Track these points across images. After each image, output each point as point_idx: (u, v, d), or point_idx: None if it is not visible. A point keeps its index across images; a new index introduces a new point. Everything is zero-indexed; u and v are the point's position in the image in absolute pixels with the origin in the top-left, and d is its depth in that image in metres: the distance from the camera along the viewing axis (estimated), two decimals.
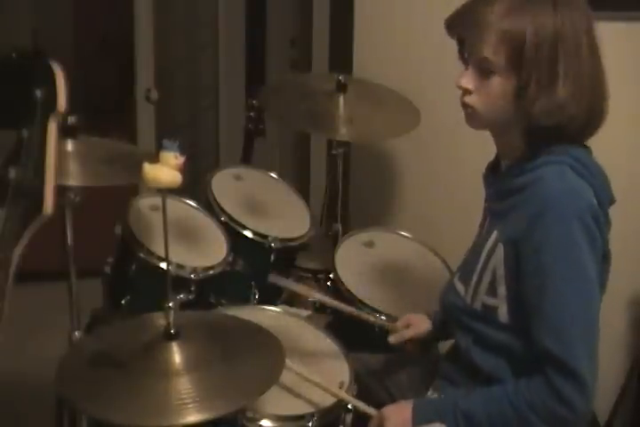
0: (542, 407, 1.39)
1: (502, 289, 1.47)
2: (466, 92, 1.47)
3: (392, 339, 1.79)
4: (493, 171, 1.61)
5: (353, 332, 1.95)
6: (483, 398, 1.47)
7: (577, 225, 1.39)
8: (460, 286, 1.59)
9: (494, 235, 1.50)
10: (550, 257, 1.39)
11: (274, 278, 2.05)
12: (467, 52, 1.47)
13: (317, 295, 1.99)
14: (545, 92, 1.39)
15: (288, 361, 1.49)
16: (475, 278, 1.53)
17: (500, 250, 1.47)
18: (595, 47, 1.44)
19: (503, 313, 1.48)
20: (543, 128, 1.43)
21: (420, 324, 1.81)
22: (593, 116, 1.46)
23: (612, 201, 1.53)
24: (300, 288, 2.04)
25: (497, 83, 1.43)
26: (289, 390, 1.64)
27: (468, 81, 1.46)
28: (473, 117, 1.49)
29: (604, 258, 1.48)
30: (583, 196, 1.42)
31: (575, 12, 1.41)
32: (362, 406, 1.62)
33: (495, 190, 1.57)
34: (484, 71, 1.43)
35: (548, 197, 1.40)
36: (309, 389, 1.65)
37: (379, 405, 1.62)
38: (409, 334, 1.79)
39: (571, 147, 1.47)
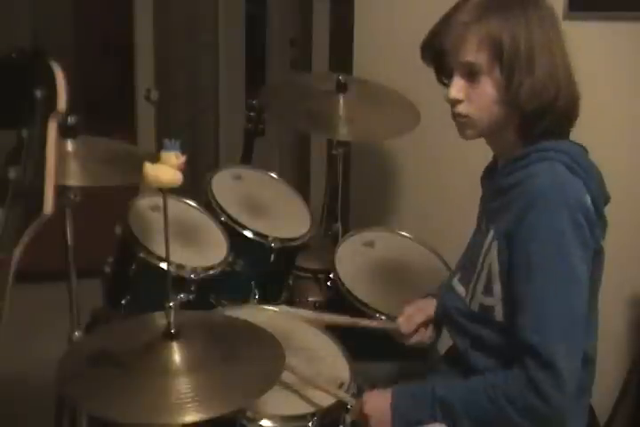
0: (518, 398, 1.40)
1: (497, 287, 1.48)
2: (457, 102, 1.50)
3: (404, 328, 1.76)
4: (490, 172, 1.63)
5: (353, 332, 1.95)
6: (460, 387, 1.49)
7: (565, 217, 1.40)
8: (460, 289, 1.59)
9: (491, 234, 1.51)
10: (537, 248, 1.41)
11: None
12: (449, 63, 1.50)
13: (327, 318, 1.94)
14: (526, 77, 1.44)
15: (287, 361, 1.49)
16: (474, 279, 1.54)
17: (495, 247, 1.49)
18: (562, 41, 1.50)
19: (499, 313, 1.49)
20: (533, 119, 1.47)
21: (427, 307, 1.79)
22: (571, 104, 1.51)
23: (606, 200, 1.55)
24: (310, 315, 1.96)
25: (485, 82, 1.47)
26: (289, 390, 1.64)
27: (458, 90, 1.50)
28: (468, 126, 1.52)
29: (596, 254, 1.48)
30: (573, 190, 1.44)
31: (539, 11, 1.49)
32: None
33: (490, 190, 1.59)
34: (471, 76, 1.48)
35: (537, 190, 1.43)
36: (309, 388, 1.65)
37: None
38: (420, 318, 1.77)
39: (564, 144, 1.50)
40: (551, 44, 1.48)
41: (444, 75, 1.55)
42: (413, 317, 1.78)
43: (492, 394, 1.43)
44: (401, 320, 1.79)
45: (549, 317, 1.40)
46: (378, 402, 1.55)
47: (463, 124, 1.52)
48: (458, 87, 1.49)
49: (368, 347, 1.90)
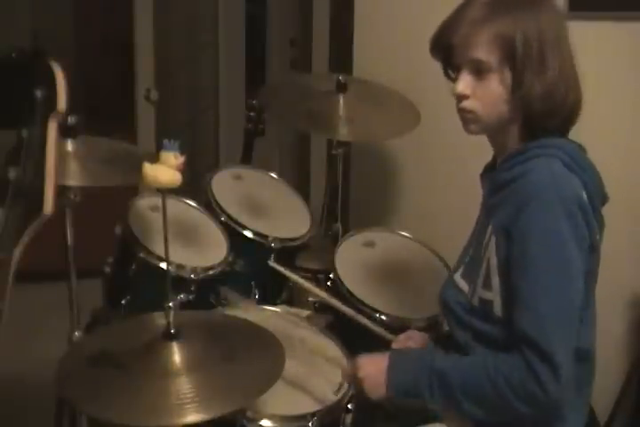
0: (518, 384, 1.41)
1: (496, 281, 1.49)
2: (463, 97, 1.51)
3: (395, 345, 1.80)
4: (489, 170, 1.64)
5: (353, 332, 1.95)
6: (460, 364, 1.50)
7: (561, 213, 1.41)
8: (462, 284, 1.60)
9: (489, 229, 1.52)
10: (533, 243, 1.42)
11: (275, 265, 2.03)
12: (457, 59, 1.51)
13: (320, 293, 1.98)
14: (538, 77, 1.45)
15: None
16: (476, 275, 1.55)
17: (493, 241, 1.50)
18: (569, 40, 1.51)
19: (498, 307, 1.49)
20: (541, 118, 1.48)
21: (419, 339, 1.82)
22: (577, 104, 1.52)
23: (604, 199, 1.55)
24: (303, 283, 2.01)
25: (493, 80, 1.48)
26: (289, 389, 1.64)
27: (466, 86, 1.50)
28: (473, 122, 1.52)
29: (593, 249, 1.49)
30: (569, 186, 1.45)
31: (548, 11, 1.50)
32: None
33: (489, 186, 1.60)
34: (480, 73, 1.48)
35: (534, 186, 1.44)
36: (309, 389, 1.65)
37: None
38: (410, 345, 1.80)
39: (563, 142, 1.51)
40: (560, 43, 1.49)
41: (451, 69, 1.55)
42: (409, 342, 1.81)
43: (493, 376, 1.44)
44: (400, 337, 1.83)
45: (545, 308, 1.41)
46: (373, 368, 1.55)
47: (468, 119, 1.52)
48: (465, 83, 1.49)
49: (366, 339, 1.91)
